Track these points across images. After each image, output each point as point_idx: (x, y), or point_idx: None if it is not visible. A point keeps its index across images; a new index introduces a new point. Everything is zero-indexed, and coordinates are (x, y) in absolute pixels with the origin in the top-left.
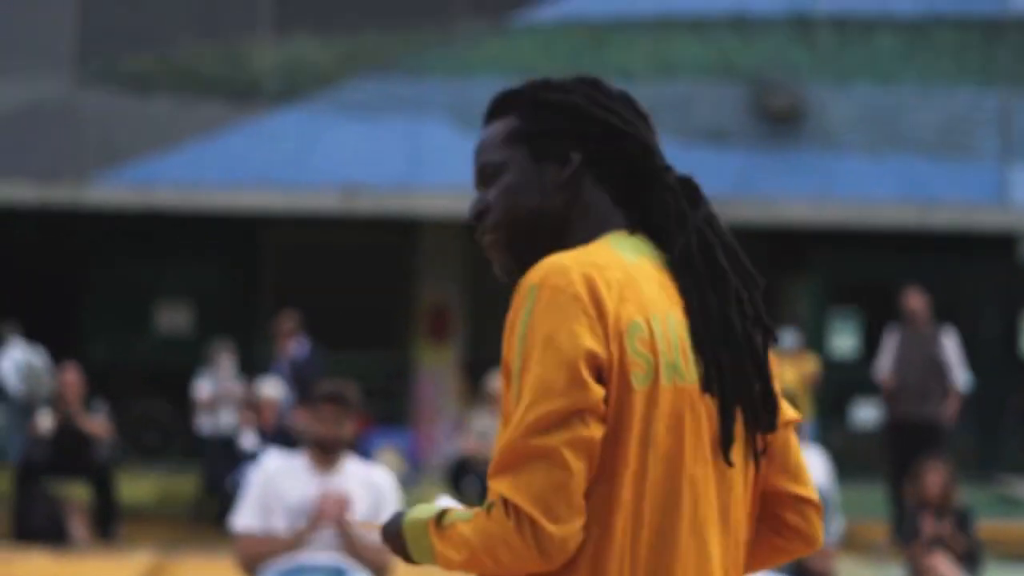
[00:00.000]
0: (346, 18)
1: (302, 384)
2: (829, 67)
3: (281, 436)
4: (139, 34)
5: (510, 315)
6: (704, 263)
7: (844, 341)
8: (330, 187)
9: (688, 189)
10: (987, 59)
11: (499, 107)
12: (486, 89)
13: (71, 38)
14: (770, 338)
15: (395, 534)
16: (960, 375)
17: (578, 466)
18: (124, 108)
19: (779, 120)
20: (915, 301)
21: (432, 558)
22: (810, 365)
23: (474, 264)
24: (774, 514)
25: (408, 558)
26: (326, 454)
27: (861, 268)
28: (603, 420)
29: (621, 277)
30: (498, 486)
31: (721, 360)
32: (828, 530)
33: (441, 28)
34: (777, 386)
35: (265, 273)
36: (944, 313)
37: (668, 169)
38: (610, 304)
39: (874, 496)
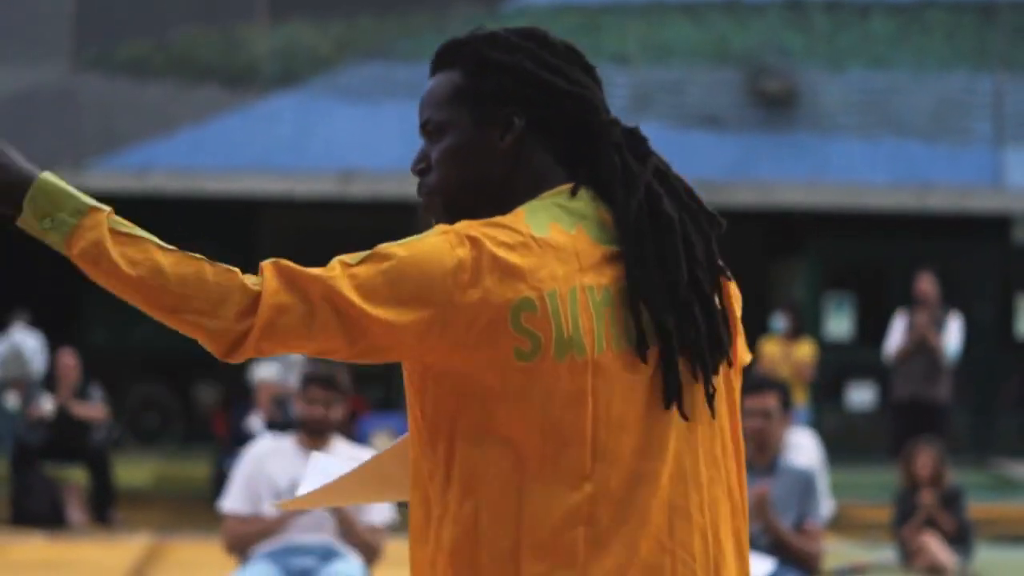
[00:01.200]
0: (342, 3)
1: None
2: (823, 51)
3: (283, 420)
4: (136, 20)
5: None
6: (649, 219)
7: (839, 324)
8: (327, 171)
9: (634, 142)
10: (981, 42)
11: (444, 58)
12: None
13: (68, 25)
14: (720, 279)
15: (21, 178)
16: (950, 352)
17: (315, 328)
18: (121, 94)
19: (773, 104)
20: (926, 285)
21: (64, 241)
22: (806, 350)
23: None
24: None
25: (11, 209)
26: (315, 436)
27: (856, 251)
28: (377, 346)
29: (521, 249)
30: (276, 266)
31: (661, 319)
32: (816, 512)
33: (436, 13)
34: (732, 329)
35: (262, 256)
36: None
37: (614, 124)
38: (495, 279)
39: (869, 478)
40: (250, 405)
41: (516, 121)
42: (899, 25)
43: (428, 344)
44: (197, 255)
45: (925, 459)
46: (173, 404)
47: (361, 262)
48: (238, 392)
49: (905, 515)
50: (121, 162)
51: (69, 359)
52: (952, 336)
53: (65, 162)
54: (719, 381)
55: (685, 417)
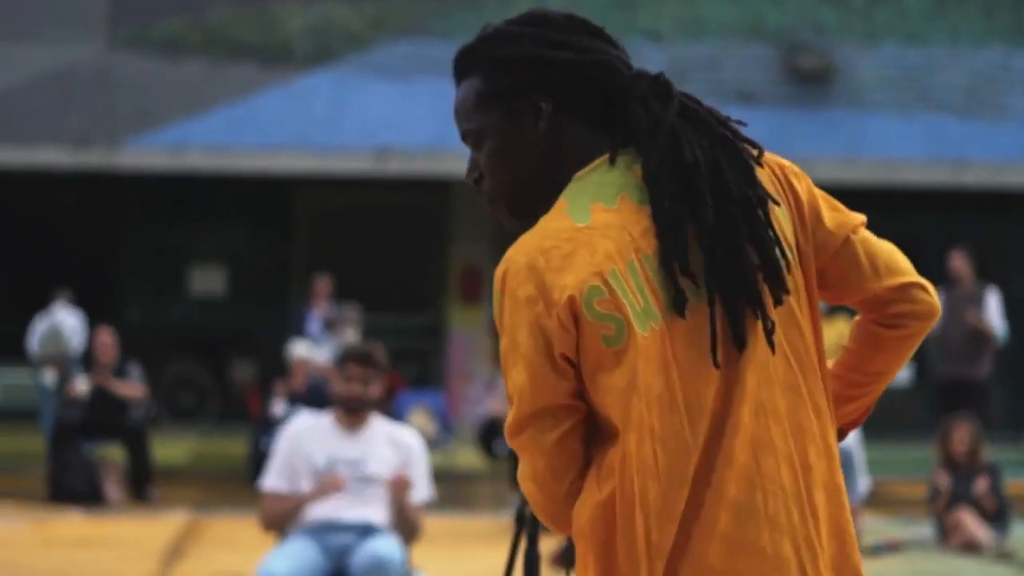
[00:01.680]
0: None
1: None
2: (858, 26)
3: (315, 395)
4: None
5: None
6: (673, 170)
7: None
8: (362, 149)
9: (658, 87)
10: (1017, 18)
11: (460, 68)
12: None
13: (104, 3)
14: (764, 205)
15: None
16: (997, 331)
17: (544, 456)
18: (156, 72)
19: (809, 80)
20: (959, 262)
21: None
22: (841, 327)
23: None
24: (884, 313)
25: None
26: (352, 414)
27: (891, 226)
28: (573, 407)
29: (567, 251)
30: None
31: (693, 273)
32: (854, 488)
33: None
34: (785, 246)
35: (298, 235)
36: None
37: (638, 78)
38: (557, 285)
39: (904, 454)
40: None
41: (543, 106)
42: (934, 1)
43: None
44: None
45: (961, 436)
46: (209, 383)
47: (511, 415)
48: (275, 371)
49: (939, 492)
50: (156, 140)
51: (106, 337)
52: (994, 314)
53: (101, 140)
54: (787, 306)
55: (740, 350)
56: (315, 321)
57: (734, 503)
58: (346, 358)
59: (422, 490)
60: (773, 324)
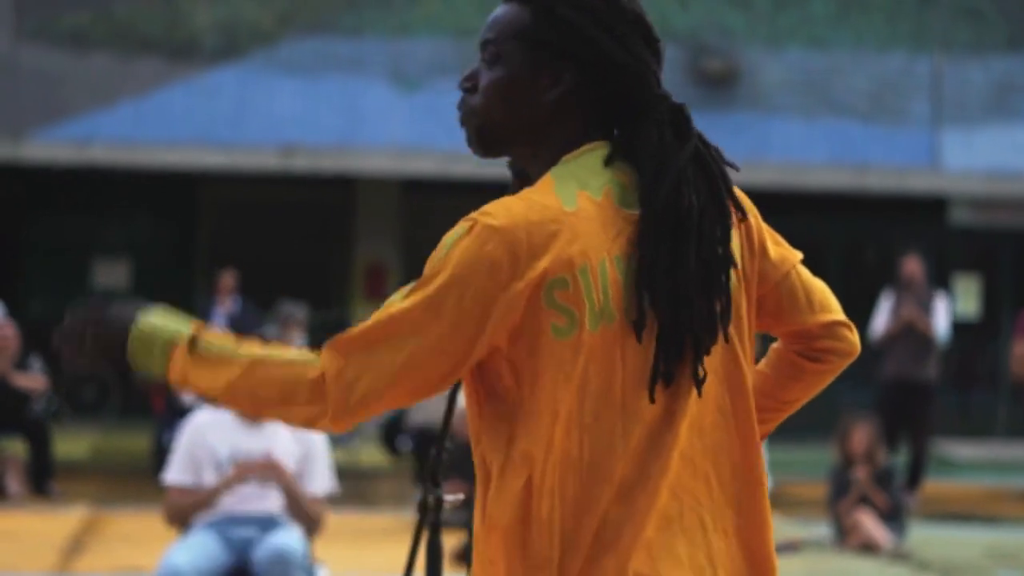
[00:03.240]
0: None
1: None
2: (763, 30)
3: None
4: None
5: (447, 233)
6: (671, 210)
7: None
8: (268, 145)
9: (679, 120)
10: (920, 23)
11: None
12: (424, 49)
13: None
14: (727, 269)
15: (119, 332)
16: (940, 334)
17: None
18: (62, 65)
19: (714, 83)
20: (912, 266)
21: (164, 375)
22: None
23: (411, 224)
24: (810, 346)
25: (122, 361)
26: None
27: (794, 229)
28: (453, 368)
29: (551, 230)
30: (333, 346)
31: (658, 310)
32: None
33: None
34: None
35: (203, 230)
36: (877, 276)
37: (661, 100)
38: (530, 265)
39: (804, 455)
40: None
41: (567, 77)
42: (839, 5)
43: (482, 346)
44: (274, 355)
45: (860, 436)
46: (111, 377)
47: (408, 295)
48: None
49: (840, 492)
50: (62, 133)
51: (8, 330)
52: (941, 318)
53: (5, 132)
54: (717, 356)
55: (668, 385)
56: (219, 316)
57: (661, 512)
58: None
59: (323, 481)
60: (705, 375)
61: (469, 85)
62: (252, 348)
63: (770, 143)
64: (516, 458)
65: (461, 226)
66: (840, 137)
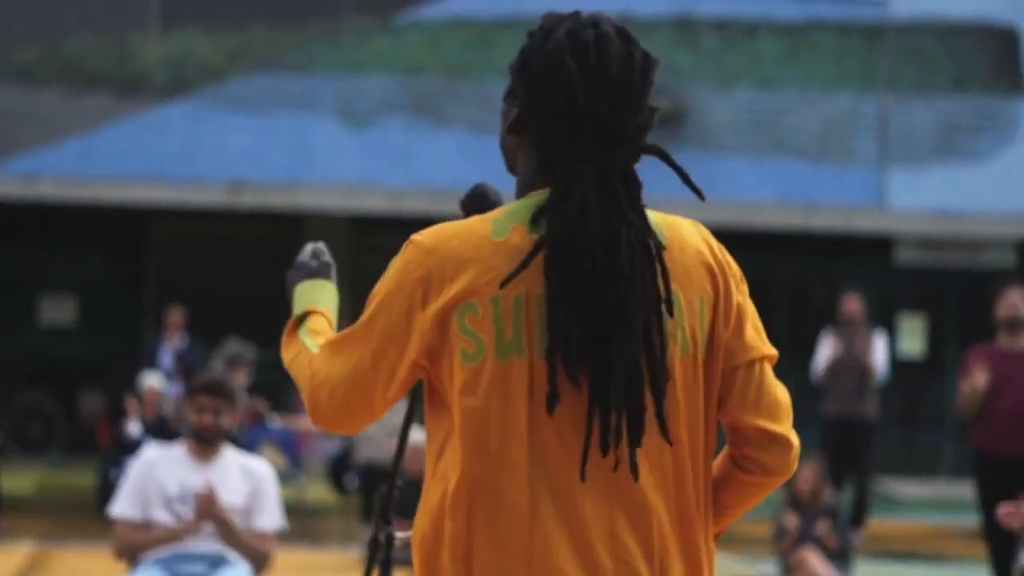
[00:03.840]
0: (234, 13)
1: (187, 377)
2: (712, 70)
3: (160, 428)
4: (27, 27)
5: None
6: (570, 252)
7: None
8: (216, 182)
9: (614, 178)
10: (866, 64)
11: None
12: (373, 86)
13: None
14: (653, 319)
15: (287, 285)
16: (880, 371)
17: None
18: (11, 100)
19: (662, 122)
20: (852, 305)
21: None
22: None
23: (359, 260)
24: (741, 451)
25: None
26: (205, 444)
27: (742, 268)
28: (394, 374)
29: (468, 257)
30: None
31: (570, 338)
32: None
33: (329, 25)
34: (681, 324)
35: (151, 266)
36: (824, 315)
37: (596, 154)
38: (442, 289)
39: None
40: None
41: (513, 111)
42: (787, 46)
43: (407, 361)
44: (310, 345)
45: (806, 475)
46: (57, 413)
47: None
48: (123, 401)
49: (782, 530)
50: (10, 169)
51: None
52: (879, 356)
53: None
54: (672, 396)
55: (605, 453)
56: (167, 353)
57: (584, 560)
58: (198, 389)
59: (272, 518)
60: (618, 462)
61: None
62: (317, 337)
63: (718, 183)
64: (438, 473)
65: (402, 249)
66: (788, 177)
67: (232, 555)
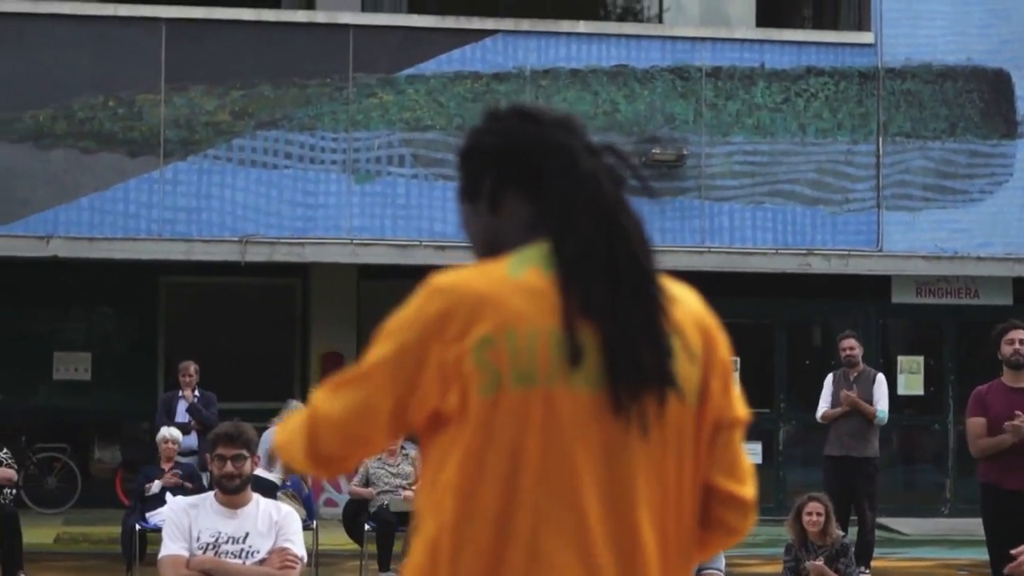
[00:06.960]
0: (240, 73)
1: (203, 429)
2: (709, 119)
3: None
4: (39, 89)
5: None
6: (585, 263)
7: None
8: (225, 238)
9: (596, 174)
10: (861, 110)
11: None
12: (376, 140)
13: None
14: (658, 311)
15: None
16: (880, 410)
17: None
18: (24, 161)
19: (661, 170)
20: (850, 346)
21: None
22: None
23: (364, 311)
24: (705, 509)
25: None
26: (230, 493)
27: (741, 312)
28: (401, 410)
29: (492, 294)
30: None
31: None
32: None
33: (334, 84)
34: (680, 361)
35: (161, 321)
36: (822, 357)
37: (579, 160)
38: (461, 323)
39: (758, 533)
40: (154, 467)
41: (482, 184)
42: (782, 93)
43: (417, 398)
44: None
45: (814, 517)
46: (73, 466)
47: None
48: (139, 453)
49: (792, 570)
50: (23, 228)
51: None
52: (881, 398)
53: None
54: (663, 434)
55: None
56: (182, 406)
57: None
58: (215, 440)
59: (299, 547)
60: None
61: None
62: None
63: (717, 228)
64: (433, 502)
65: (423, 287)
66: (785, 222)
67: None
